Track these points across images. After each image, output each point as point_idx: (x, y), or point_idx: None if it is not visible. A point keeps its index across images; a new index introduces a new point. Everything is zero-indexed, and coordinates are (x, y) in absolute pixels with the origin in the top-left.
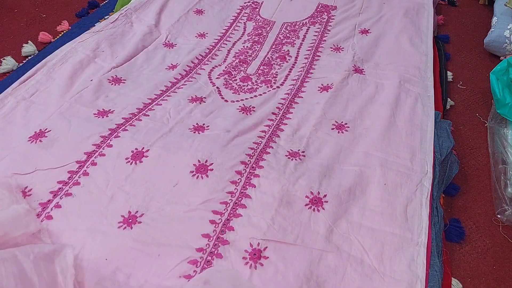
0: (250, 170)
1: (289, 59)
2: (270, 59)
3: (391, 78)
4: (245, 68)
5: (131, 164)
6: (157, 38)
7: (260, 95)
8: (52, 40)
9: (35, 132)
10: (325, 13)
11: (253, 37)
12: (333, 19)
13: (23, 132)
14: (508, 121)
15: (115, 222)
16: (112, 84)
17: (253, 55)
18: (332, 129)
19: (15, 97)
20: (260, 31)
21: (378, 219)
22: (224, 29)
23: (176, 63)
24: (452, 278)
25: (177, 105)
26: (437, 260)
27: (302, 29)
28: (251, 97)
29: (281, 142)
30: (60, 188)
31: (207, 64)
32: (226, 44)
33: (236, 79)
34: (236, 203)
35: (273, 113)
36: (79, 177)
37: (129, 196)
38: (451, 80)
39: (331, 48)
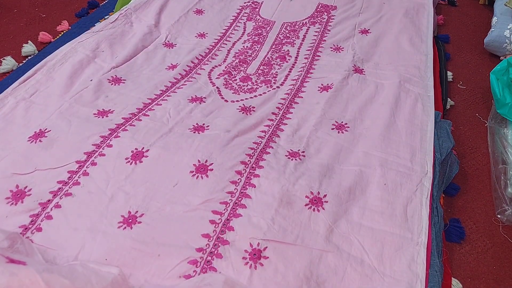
0: (250, 170)
1: (289, 59)
2: (270, 59)
3: (391, 78)
4: (245, 68)
5: (131, 164)
6: (157, 38)
7: (260, 95)
8: (52, 40)
9: (35, 132)
10: (325, 13)
11: (253, 37)
12: (333, 19)
13: (23, 132)
14: (508, 121)
15: (115, 222)
16: (112, 84)
17: (253, 55)
18: (332, 129)
19: (15, 97)
20: (260, 31)
21: (378, 219)
22: (224, 29)
23: (176, 63)
24: (452, 278)
25: (177, 105)
26: (437, 260)
27: (302, 29)
28: (251, 97)
29: (281, 142)
30: (60, 188)
31: (207, 64)
32: (226, 44)
33: (236, 79)
34: (236, 203)
35: (273, 113)
36: (79, 177)
37: (129, 196)
38: (451, 80)
39: (331, 48)
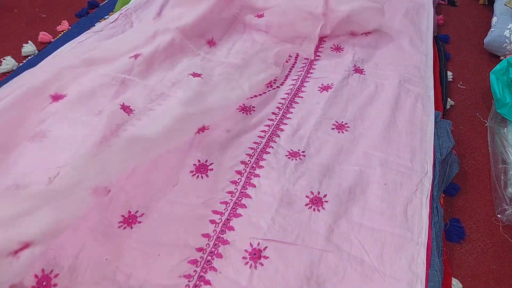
0: (250, 170)
1: (289, 59)
2: None
3: (391, 78)
4: None
5: None
6: None
7: (260, 95)
8: (52, 40)
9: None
10: None
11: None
12: None
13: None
14: (508, 121)
15: (115, 222)
16: None
17: None
18: (332, 129)
19: None
20: None
21: (378, 219)
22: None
23: None
24: (452, 277)
25: None
26: (437, 260)
27: None
28: (251, 97)
29: (281, 142)
30: None
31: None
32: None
33: None
34: (236, 203)
35: (273, 113)
36: None
37: (129, 196)
38: (451, 80)
39: (331, 48)
